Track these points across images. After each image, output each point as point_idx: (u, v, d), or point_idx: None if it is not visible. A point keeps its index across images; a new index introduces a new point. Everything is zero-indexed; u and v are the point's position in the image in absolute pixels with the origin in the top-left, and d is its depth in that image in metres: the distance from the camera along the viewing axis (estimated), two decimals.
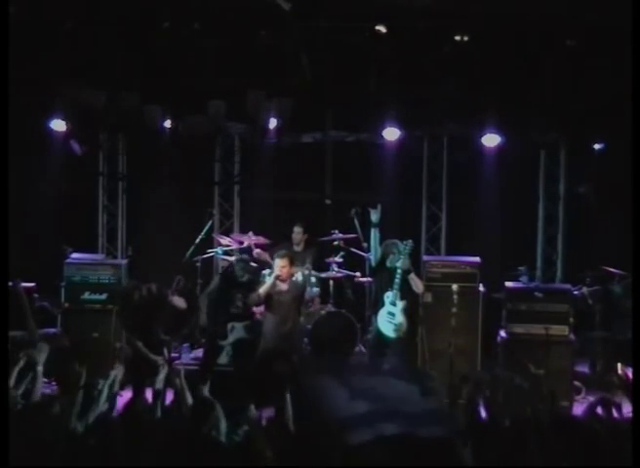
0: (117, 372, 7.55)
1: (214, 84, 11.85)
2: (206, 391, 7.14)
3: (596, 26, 10.89)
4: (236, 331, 10.95)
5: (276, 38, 11.41)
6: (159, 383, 7.67)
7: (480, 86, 11.55)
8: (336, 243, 12.45)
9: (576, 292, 11.71)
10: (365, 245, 12.19)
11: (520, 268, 11.85)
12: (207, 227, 12.67)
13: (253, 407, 6.67)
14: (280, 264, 10.33)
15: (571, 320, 11.11)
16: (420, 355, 11.23)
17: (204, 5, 11.22)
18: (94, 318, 11.58)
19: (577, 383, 11.24)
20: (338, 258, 12.37)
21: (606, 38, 10.87)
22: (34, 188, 13.15)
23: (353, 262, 12.50)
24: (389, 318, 10.40)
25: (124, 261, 12.24)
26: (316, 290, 12.22)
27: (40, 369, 7.50)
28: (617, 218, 11.82)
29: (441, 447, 5.95)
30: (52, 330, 11.50)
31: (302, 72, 11.62)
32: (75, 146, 12.55)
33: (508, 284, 11.47)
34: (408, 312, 10.43)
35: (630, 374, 9.57)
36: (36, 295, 11.74)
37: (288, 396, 7.53)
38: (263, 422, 6.88)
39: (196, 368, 11.20)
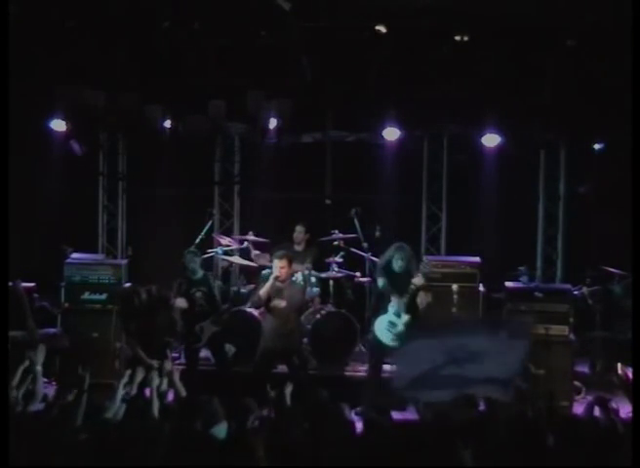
0: (132, 373, 7.62)
1: (214, 84, 11.85)
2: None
3: (596, 26, 10.89)
4: (206, 329, 10.94)
5: (276, 38, 11.41)
6: (151, 384, 7.72)
7: (480, 86, 11.55)
8: (336, 243, 12.45)
9: (576, 292, 11.72)
10: (365, 245, 12.20)
11: (520, 268, 11.85)
12: (207, 227, 12.66)
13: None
14: (279, 265, 10.34)
15: (571, 320, 11.10)
16: None
17: (204, 5, 11.21)
18: (94, 318, 11.57)
19: (577, 383, 11.23)
20: (338, 258, 12.36)
21: (606, 38, 10.87)
22: (34, 188, 13.16)
23: (353, 262, 12.49)
24: (389, 326, 10.37)
25: (124, 261, 12.23)
26: (316, 290, 12.22)
27: (39, 369, 7.52)
28: (617, 218, 11.82)
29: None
30: (52, 330, 11.49)
31: (302, 72, 11.61)
32: (75, 146, 12.56)
33: (508, 284, 11.47)
34: (409, 326, 10.37)
35: (630, 374, 9.57)
36: (36, 295, 11.74)
37: (288, 396, 7.56)
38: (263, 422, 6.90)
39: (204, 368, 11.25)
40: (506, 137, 12.38)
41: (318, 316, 11.95)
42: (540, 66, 11.44)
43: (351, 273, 12.42)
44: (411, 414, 9.72)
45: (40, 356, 7.65)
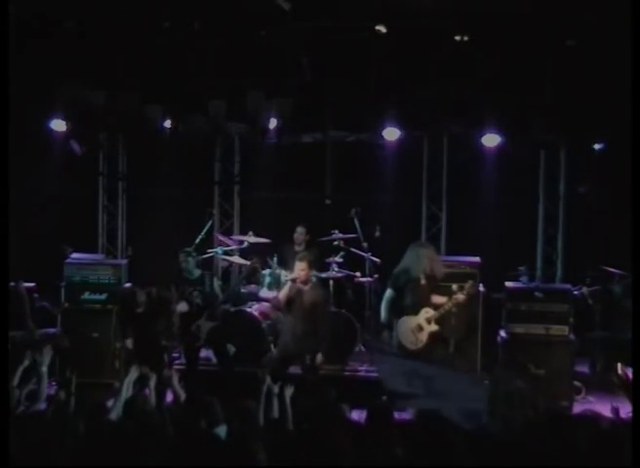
0: (137, 371, 7.63)
1: (214, 84, 11.84)
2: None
3: (596, 26, 10.88)
4: (203, 327, 10.95)
5: (276, 38, 11.40)
6: (149, 384, 7.74)
7: (480, 86, 11.54)
8: (336, 243, 12.45)
9: (576, 292, 11.72)
10: (365, 245, 12.19)
11: (520, 268, 11.86)
12: (207, 227, 12.66)
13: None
14: (299, 267, 10.39)
15: (571, 320, 11.10)
16: None
17: (204, 5, 11.21)
18: (94, 318, 11.59)
19: (577, 383, 11.24)
20: (338, 258, 12.36)
21: (606, 38, 10.86)
22: (34, 188, 13.16)
23: (353, 262, 12.49)
24: (416, 330, 10.34)
25: (124, 261, 12.24)
26: None
27: (45, 370, 7.55)
28: (617, 218, 11.82)
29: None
30: (52, 330, 11.50)
31: (302, 72, 11.61)
32: (75, 146, 12.55)
33: (508, 284, 11.47)
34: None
35: (630, 374, 9.57)
36: (36, 295, 11.75)
37: (289, 396, 7.56)
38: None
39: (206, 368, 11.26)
40: (506, 137, 12.37)
41: None
42: (540, 66, 11.43)
43: (351, 273, 12.42)
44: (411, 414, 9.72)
45: (46, 357, 7.68)
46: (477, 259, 11.81)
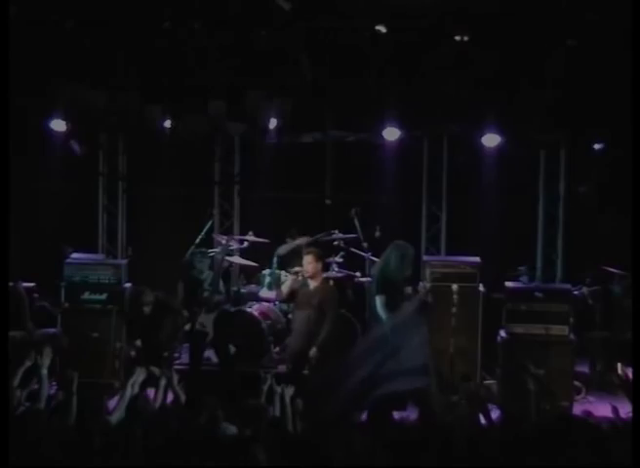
0: (143, 372, 7.64)
1: (214, 84, 11.85)
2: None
3: (596, 26, 10.88)
4: (206, 321, 10.97)
5: (276, 38, 11.40)
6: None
7: (480, 86, 11.55)
8: (336, 243, 12.44)
9: (576, 292, 11.72)
10: (365, 245, 12.19)
11: (520, 268, 11.86)
12: (207, 227, 12.66)
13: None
14: (306, 260, 10.27)
15: (571, 320, 11.10)
16: None
17: (204, 5, 11.21)
18: (94, 318, 11.58)
19: (577, 383, 11.23)
20: (338, 258, 12.36)
21: (606, 38, 10.87)
22: (34, 188, 13.16)
23: (353, 262, 12.49)
24: None
25: (124, 261, 12.23)
26: None
27: (45, 372, 7.54)
28: (617, 218, 11.82)
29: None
30: (52, 330, 11.50)
31: (302, 72, 11.61)
32: (75, 146, 12.55)
33: (508, 284, 11.46)
34: None
35: (630, 374, 9.58)
36: (36, 295, 11.75)
37: (289, 396, 7.56)
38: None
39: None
40: (506, 137, 12.37)
41: None
42: (539, 66, 11.43)
43: (351, 273, 12.41)
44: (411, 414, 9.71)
45: (46, 359, 7.68)
46: (477, 259, 11.80)
